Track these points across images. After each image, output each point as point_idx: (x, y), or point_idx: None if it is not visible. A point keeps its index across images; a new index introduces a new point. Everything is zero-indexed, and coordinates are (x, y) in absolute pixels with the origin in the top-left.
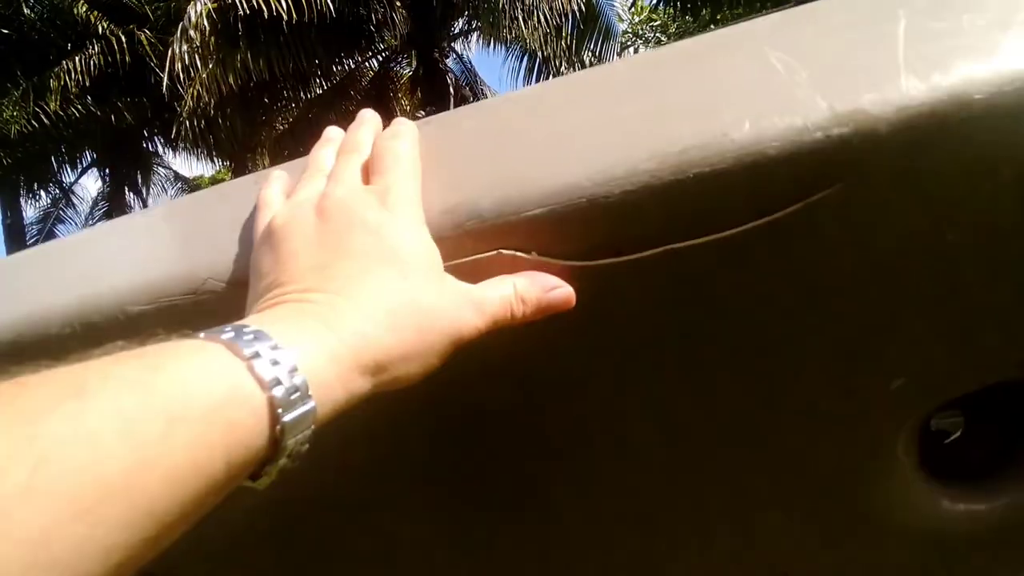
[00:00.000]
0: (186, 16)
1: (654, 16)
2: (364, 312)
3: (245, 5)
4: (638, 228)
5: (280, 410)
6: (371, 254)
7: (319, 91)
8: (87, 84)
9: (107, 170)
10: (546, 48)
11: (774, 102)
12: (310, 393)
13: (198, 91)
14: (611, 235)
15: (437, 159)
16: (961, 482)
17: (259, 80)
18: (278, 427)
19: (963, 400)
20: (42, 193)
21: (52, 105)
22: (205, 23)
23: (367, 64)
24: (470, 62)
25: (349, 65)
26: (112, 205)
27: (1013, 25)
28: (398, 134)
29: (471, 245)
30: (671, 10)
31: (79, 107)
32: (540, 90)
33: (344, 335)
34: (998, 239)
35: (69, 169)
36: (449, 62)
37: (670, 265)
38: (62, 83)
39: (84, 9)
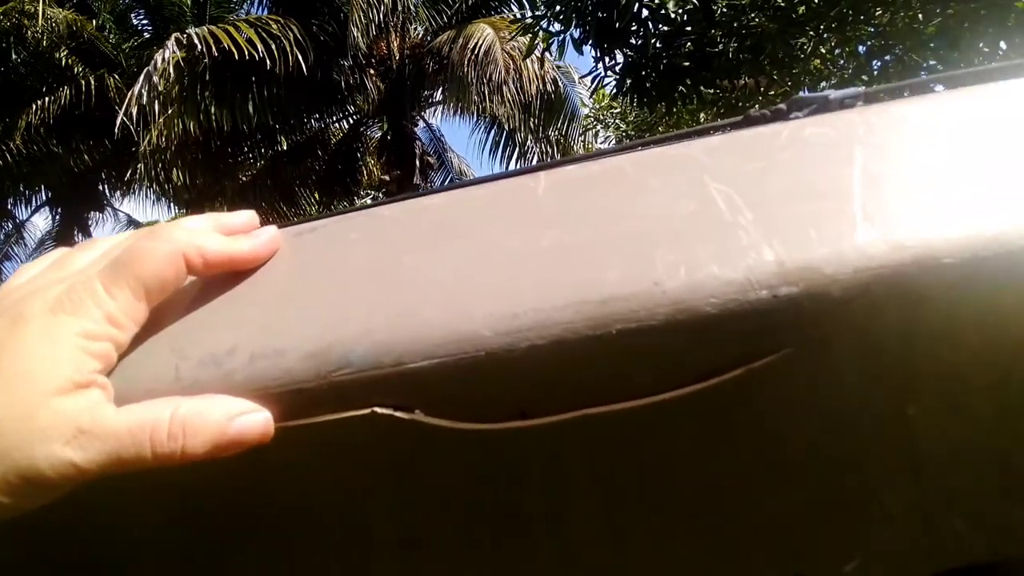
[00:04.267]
0: (152, 63)
1: (614, 104)
2: None
3: (215, 48)
4: (548, 389)
5: None
6: None
7: (285, 146)
8: (52, 123)
9: (59, 209)
10: (513, 122)
11: (714, 248)
12: None
13: (154, 136)
14: (514, 395)
15: (311, 282)
16: None
17: (222, 130)
18: None
19: None
20: None
21: (16, 141)
22: (171, 71)
23: (336, 124)
24: (439, 130)
25: (319, 123)
26: (60, 243)
27: (992, 176)
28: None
29: (338, 400)
30: (628, 102)
31: (40, 146)
32: (448, 201)
33: None
34: (963, 415)
35: (24, 206)
36: (418, 129)
37: (583, 431)
38: (28, 120)
39: (64, 53)
